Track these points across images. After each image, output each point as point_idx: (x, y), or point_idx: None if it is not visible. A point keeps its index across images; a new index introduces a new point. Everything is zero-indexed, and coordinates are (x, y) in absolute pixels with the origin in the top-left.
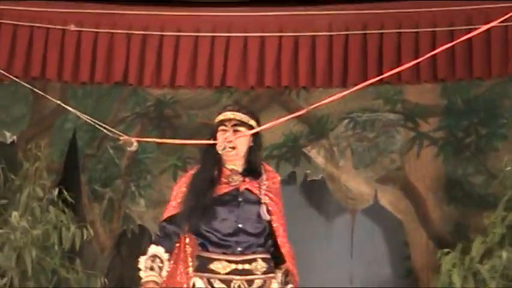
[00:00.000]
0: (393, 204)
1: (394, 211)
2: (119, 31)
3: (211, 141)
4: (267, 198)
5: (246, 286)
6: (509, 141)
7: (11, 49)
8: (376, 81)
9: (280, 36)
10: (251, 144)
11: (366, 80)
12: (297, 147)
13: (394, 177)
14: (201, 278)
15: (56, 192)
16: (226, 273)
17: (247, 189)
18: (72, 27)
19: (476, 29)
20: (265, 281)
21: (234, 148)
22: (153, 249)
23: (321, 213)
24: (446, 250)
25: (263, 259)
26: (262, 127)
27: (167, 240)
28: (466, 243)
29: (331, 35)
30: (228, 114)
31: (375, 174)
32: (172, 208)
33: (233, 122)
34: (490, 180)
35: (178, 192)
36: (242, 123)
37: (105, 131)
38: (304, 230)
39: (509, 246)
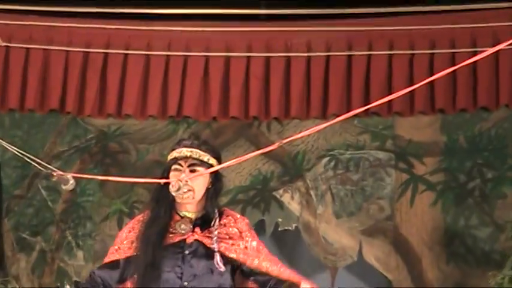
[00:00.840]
0: (381, 261)
1: (382, 269)
2: (55, 47)
3: (165, 180)
4: (222, 245)
5: None
6: None
7: None
8: (362, 111)
9: (249, 57)
10: (209, 186)
11: (350, 110)
12: (266, 190)
13: (383, 229)
14: None
15: None
16: None
17: (196, 240)
18: (1, 43)
19: (482, 51)
20: None
21: (190, 190)
22: None
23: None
24: None
25: None
26: (225, 164)
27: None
28: None
29: (309, 56)
30: (184, 151)
31: (359, 224)
32: (111, 254)
33: (190, 161)
34: (496, 233)
35: (121, 238)
36: (201, 163)
37: (37, 166)
38: None
39: None
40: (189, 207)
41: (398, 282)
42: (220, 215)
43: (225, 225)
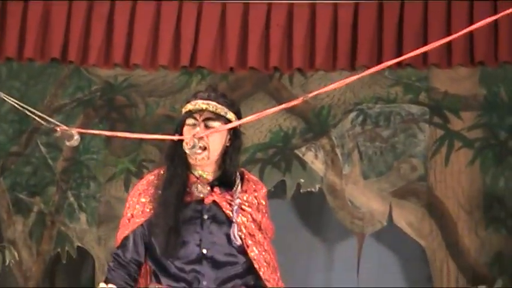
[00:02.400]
0: (414, 227)
1: (414, 235)
2: None
3: (177, 137)
4: (241, 216)
5: None
6: None
7: None
8: (394, 63)
9: (270, 3)
10: (227, 144)
11: (381, 61)
12: (288, 148)
13: (416, 190)
14: None
15: None
16: None
17: (215, 203)
18: None
19: None
20: None
21: (205, 148)
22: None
23: (318, 234)
24: (482, 287)
25: None
26: (243, 120)
27: (123, 272)
28: (508, 279)
29: (335, 2)
30: (200, 104)
31: (390, 185)
32: (124, 226)
33: (205, 115)
34: None
35: (132, 205)
36: (217, 117)
37: (37, 119)
38: (297, 259)
39: None
40: (205, 167)
41: (432, 250)
42: (241, 178)
43: (245, 192)
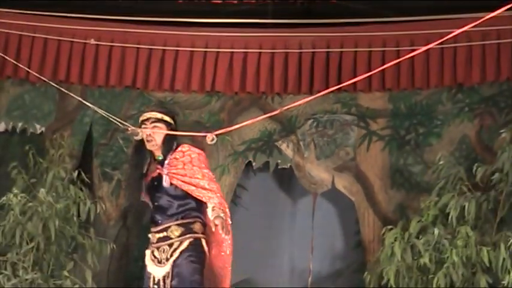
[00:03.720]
0: (347, 188)
1: (348, 194)
2: (129, 45)
3: (203, 134)
4: (166, 172)
5: (168, 248)
6: (442, 139)
7: (42, 58)
8: (335, 89)
9: (260, 52)
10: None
11: (327, 88)
12: (270, 141)
13: (349, 167)
14: (149, 249)
15: (75, 174)
16: (156, 242)
17: (159, 174)
18: (92, 41)
19: (418, 49)
20: (181, 242)
21: (152, 140)
22: None
23: (288, 195)
24: (389, 227)
25: (178, 225)
26: (243, 124)
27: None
28: (405, 222)
29: (300, 52)
30: (146, 115)
31: (332, 164)
32: None
33: (151, 120)
34: (425, 170)
35: None
36: (158, 120)
37: (116, 123)
38: (275, 209)
39: (441, 224)
40: (156, 152)
41: (358, 203)
42: (175, 150)
43: (175, 158)
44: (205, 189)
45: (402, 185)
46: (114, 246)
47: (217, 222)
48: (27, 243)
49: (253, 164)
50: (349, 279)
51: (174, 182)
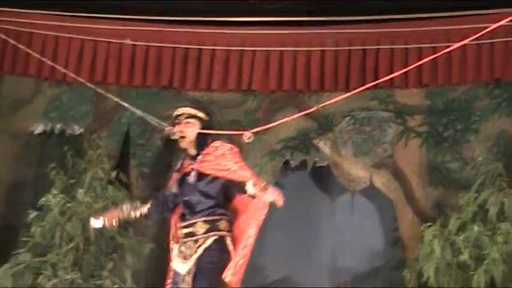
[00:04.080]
0: (385, 186)
1: (385, 191)
2: (166, 45)
3: (240, 132)
4: (196, 167)
5: (193, 244)
6: (480, 134)
7: (79, 59)
8: (372, 86)
9: (296, 50)
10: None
11: (364, 85)
12: (308, 139)
13: (386, 164)
14: (177, 244)
15: (113, 174)
16: (183, 237)
17: (192, 169)
18: (128, 42)
19: (454, 44)
20: (206, 239)
21: (185, 137)
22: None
23: (326, 193)
24: (428, 224)
25: (204, 221)
26: (279, 122)
27: (158, 200)
28: (444, 218)
29: (337, 50)
30: (180, 110)
31: (370, 161)
32: None
33: (184, 116)
34: (463, 166)
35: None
36: (191, 116)
37: (154, 123)
38: (313, 207)
39: (480, 221)
40: (189, 149)
41: (396, 200)
42: (207, 146)
43: (208, 154)
44: (238, 171)
45: (440, 182)
46: (153, 245)
47: (271, 196)
48: (67, 244)
49: (291, 162)
50: (388, 277)
51: (206, 171)
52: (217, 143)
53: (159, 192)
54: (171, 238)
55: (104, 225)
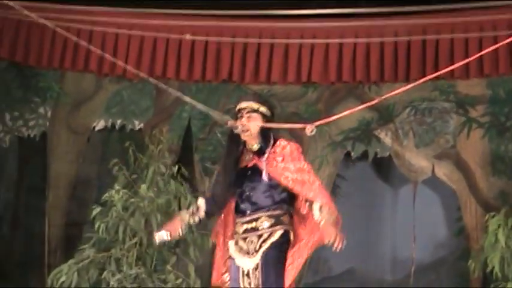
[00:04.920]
0: (448, 176)
1: (448, 182)
2: (225, 39)
3: (302, 125)
4: (265, 165)
5: (256, 239)
6: None
7: (139, 54)
8: (433, 77)
9: (355, 42)
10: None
11: (425, 76)
12: (369, 130)
13: (449, 154)
14: (232, 239)
15: (175, 168)
16: (243, 232)
17: (255, 164)
18: (188, 37)
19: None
20: (271, 233)
21: (247, 130)
22: (198, 199)
23: (388, 183)
24: (492, 213)
25: (268, 216)
26: (341, 114)
27: (211, 200)
28: (508, 208)
29: (396, 40)
30: (242, 104)
31: (432, 151)
32: None
33: (247, 110)
34: None
35: None
36: (254, 110)
37: (215, 117)
38: (375, 198)
39: None
40: (251, 142)
41: (460, 191)
42: (274, 144)
43: (274, 152)
44: (305, 183)
45: (504, 172)
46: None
47: (331, 232)
48: (130, 239)
49: (352, 153)
50: (453, 267)
51: (274, 175)
52: (283, 141)
53: (231, 188)
54: (222, 234)
55: (169, 239)
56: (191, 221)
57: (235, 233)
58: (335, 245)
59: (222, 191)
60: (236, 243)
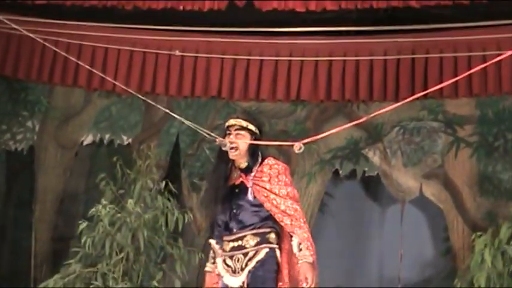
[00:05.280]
0: (435, 196)
1: (436, 201)
2: (214, 55)
3: (290, 143)
4: (251, 184)
5: (242, 257)
6: None
7: (128, 69)
8: (422, 95)
9: (344, 60)
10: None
11: (413, 95)
12: (357, 149)
13: (436, 174)
14: (221, 257)
15: (163, 184)
16: (230, 250)
17: (242, 182)
18: (177, 53)
19: (505, 53)
20: (256, 251)
21: (236, 149)
22: (210, 241)
23: (376, 202)
24: (479, 233)
25: (254, 234)
26: (329, 132)
27: (217, 230)
28: (495, 228)
29: (385, 59)
30: (231, 121)
31: (420, 171)
32: None
33: (235, 127)
34: None
35: None
36: (242, 128)
37: (204, 134)
38: (362, 217)
39: None
40: (239, 160)
41: (447, 211)
42: (261, 162)
43: (262, 171)
44: (288, 214)
45: (491, 193)
46: (203, 255)
47: (308, 276)
48: (117, 254)
49: (340, 172)
50: (439, 287)
51: (258, 196)
52: (271, 160)
53: (220, 205)
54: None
55: None
56: (219, 262)
57: (223, 250)
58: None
59: (219, 211)
60: (224, 261)
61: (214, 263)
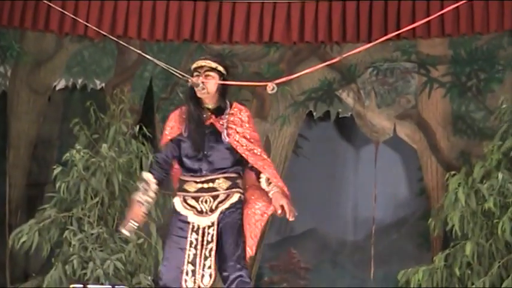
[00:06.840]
0: (409, 136)
1: (410, 142)
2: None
3: (263, 83)
4: (226, 126)
5: (211, 199)
6: (504, 84)
7: (100, 13)
8: (394, 36)
9: (317, 1)
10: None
11: (386, 35)
12: (331, 90)
13: (410, 114)
14: (178, 196)
15: (137, 128)
16: (195, 192)
17: (211, 123)
18: None
19: None
20: (228, 195)
21: (204, 89)
22: (143, 174)
23: (350, 143)
24: (452, 172)
25: (226, 178)
26: (302, 72)
27: (157, 167)
28: (468, 167)
29: (358, 0)
30: (200, 63)
31: (394, 112)
32: (164, 138)
33: (204, 69)
34: (488, 115)
35: (168, 126)
36: (211, 69)
37: (177, 75)
38: (336, 158)
39: (504, 169)
40: (207, 100)
41: (421, 150)
42: (230, 106)
43: (232, 115)
44: (262, 158)
45: (464, 132)
46: None
47: (282, 203)
48: (92, 198)
49: (314, 113)
50: (414, 227)
51: (230, 140)
52: (238, 105)
53: (200, 147)
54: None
55: (137, 225)
56: (148, 199)
57: (182, 190)
58: (287, 216)
59: (166, 153)
60: (184, 200)
61: (146, 193)
